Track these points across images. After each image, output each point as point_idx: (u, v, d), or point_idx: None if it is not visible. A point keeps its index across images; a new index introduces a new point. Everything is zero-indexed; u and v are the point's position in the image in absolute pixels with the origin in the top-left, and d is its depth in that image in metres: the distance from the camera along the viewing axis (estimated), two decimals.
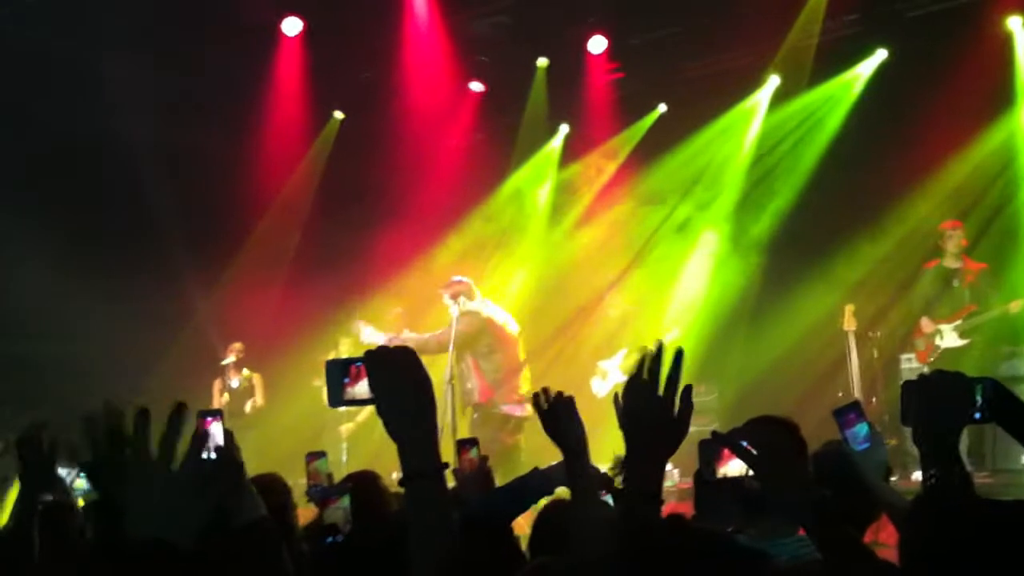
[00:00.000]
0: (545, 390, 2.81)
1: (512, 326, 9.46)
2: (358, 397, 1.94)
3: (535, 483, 3.18)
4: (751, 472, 2.13)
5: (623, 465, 1.99)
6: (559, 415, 2.75)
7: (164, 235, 10.72)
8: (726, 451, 2.17)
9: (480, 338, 9.11)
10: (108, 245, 10.15)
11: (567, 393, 2.80)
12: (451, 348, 8.78)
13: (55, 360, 9.94)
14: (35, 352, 10.00)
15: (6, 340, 9.92)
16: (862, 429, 2.92)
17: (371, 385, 1.87)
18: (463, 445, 4.07)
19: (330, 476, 4.00)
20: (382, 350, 1.89)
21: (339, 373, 1.95)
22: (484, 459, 3.95)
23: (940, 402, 2.22)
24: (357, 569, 2.39)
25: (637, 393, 1.99)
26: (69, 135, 9.74)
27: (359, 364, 1.92)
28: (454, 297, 9.06)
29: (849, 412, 2.96)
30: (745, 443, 2.12)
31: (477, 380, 9.10)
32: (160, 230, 10.73)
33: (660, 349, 1.98)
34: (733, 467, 2.18)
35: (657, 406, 1.96)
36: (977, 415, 2.27)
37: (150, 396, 9.17)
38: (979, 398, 2.27)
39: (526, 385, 9.17)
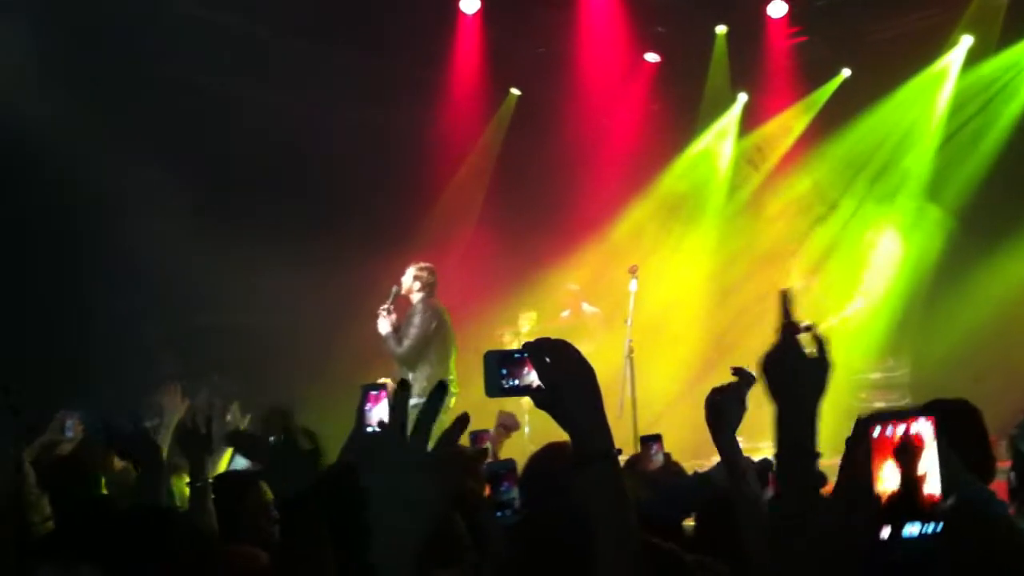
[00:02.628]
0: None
1: None
2: (515, 386, 1.98)
3: (697, 486, 3.19)
4: None
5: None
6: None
7: (348, 209, 11.01)
8: None
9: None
10: (295, 218, 10.46)
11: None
12: (629, 321, 8.79)
13: (245, 330, 10.29)
14: (225, 323, 10.37)
15: (198, 313, 10.33)
16: None
17: (539, 374, 1.89)
18: (648, 441, 4.09)
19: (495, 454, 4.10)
20: (542, 341, 1.92)
21: (496, 364, 1.99)
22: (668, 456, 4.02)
23: None
24: (531, 546, 2.43)
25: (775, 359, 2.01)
26: (237, 106, 9.87)
27: (517, 355, 1.96)
28: (424, 288, 8.83)
29: None
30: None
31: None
32: (344, 203, 11.02)
33: (785, 297, 2.04)
34: None
35: (792, 359, 2.00)
36: None
37: (337, 367, 9.57)
38: None
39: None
